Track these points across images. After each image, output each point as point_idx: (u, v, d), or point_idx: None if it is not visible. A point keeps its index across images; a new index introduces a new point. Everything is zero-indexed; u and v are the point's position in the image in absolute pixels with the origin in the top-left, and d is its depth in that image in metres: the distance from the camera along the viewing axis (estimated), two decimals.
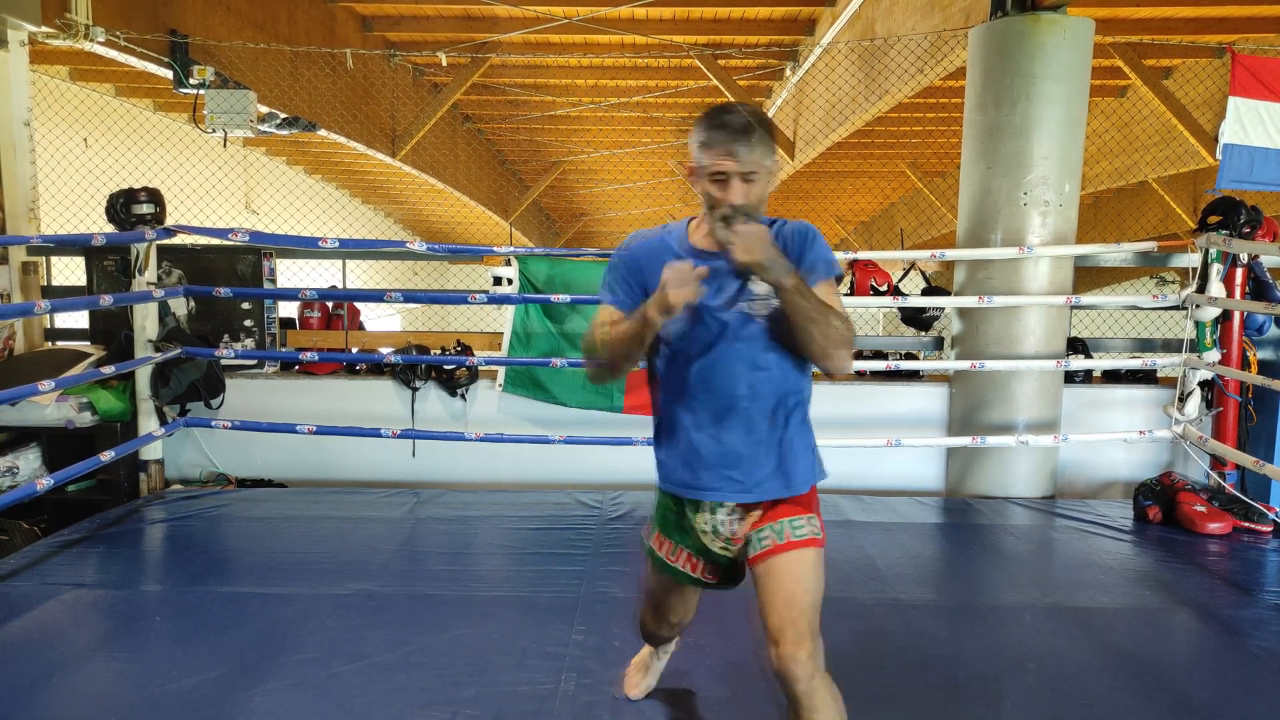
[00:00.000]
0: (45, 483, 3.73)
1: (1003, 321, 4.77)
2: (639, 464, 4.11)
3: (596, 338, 1.97)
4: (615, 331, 1.93)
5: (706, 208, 1.92)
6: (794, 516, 2.00)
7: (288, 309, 5.71)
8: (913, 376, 5.18)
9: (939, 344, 5.24)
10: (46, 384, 3.83)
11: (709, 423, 1.98)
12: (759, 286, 1.89)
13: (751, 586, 2.04)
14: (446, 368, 5.00)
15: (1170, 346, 5.19)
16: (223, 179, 10.53)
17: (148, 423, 4.70)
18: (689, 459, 2.01)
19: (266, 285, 5.12)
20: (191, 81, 6.02)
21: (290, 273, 7.55)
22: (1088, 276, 12.63)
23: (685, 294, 1.77)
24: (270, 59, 7.13)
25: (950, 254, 4.87)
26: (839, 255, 5.06)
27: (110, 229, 4.71)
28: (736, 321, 1.93)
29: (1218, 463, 4.69)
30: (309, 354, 4.83)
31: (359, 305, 5.85)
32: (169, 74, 6.10)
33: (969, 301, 4.80)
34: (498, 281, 4.97)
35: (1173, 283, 14.99)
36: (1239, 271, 4.63)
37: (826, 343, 1.85)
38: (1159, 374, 5.19)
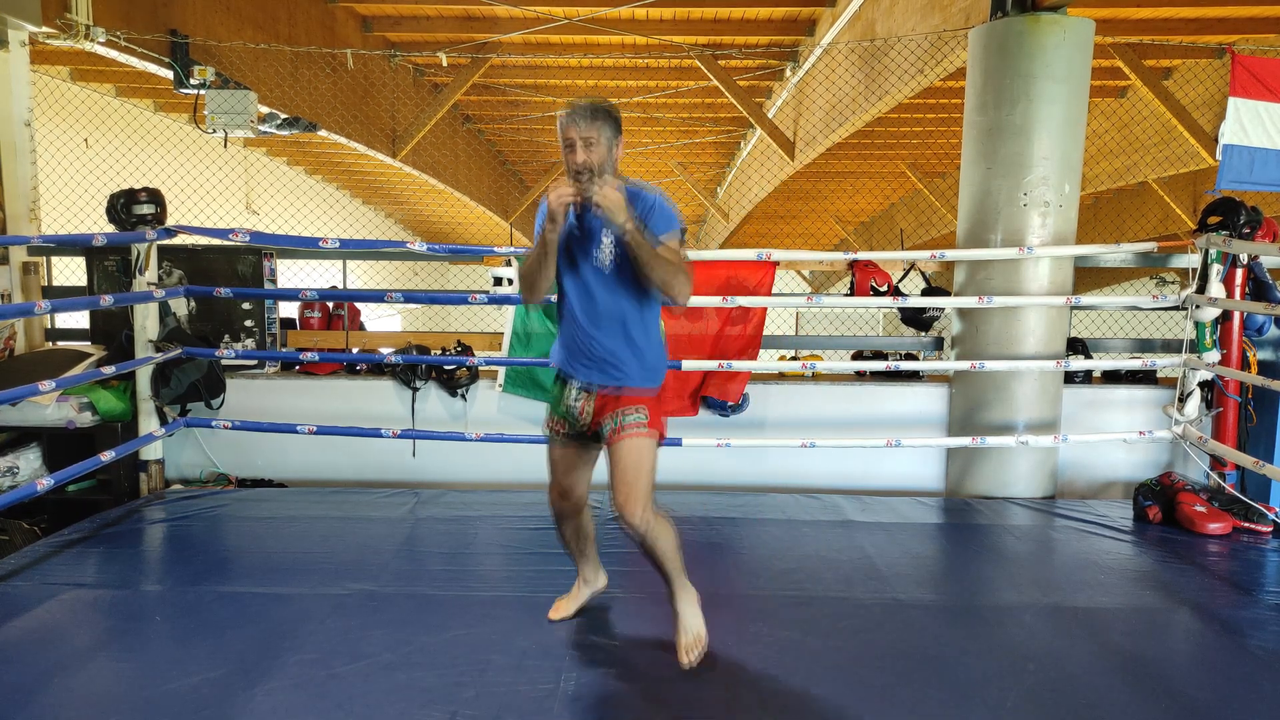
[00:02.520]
0: (45, 483, 3.73)
1: (1003, 322, 4.77)
2: None
3: (520, 268, 2.77)
4: (529, 254, 2.73)
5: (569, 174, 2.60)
6: (626, 409, 2.71)
7: (288, 309, 5.71)
8: (913, 377, 5.18)
9: (939, 344, 5.25)
10: (47, 384, 3.83)
11: (578, 330, 2.72)
12: (607, 238, 2.62)
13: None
14: (447, 368, 5.00)
15: (1170, 347, 5.20)
16: (223, 179, 10.54)
17: (148, 423, 4.70)
18: (566, 351, 2.80)
19: (267, 285, 5.13)
20: (192, 82, 6.03)
21: (291, 273, 7.56)
22: (1088, 277, 12.64)
23: (562, 198, 2.51)
24: (271, 59, 7.14)
25: (950, 254, 4.87)
26: (839, 255, 5.08)
27: (111, 229, 4.71)
28: (591, 265, 2.67)
29: (1218, 463, 4.69)
30: (309, 354, 4.83)
31: (359, 305, 5.86)
32: (169, 74, 6.11)
33: (969, 302, 4.80)
34: (498, 282, 4.97)
35: (1173, 283, 15.00)
36: (1239, 272, 4.63)
37: (667, 276, 2.56)
38: (1159, 374, 5.19)
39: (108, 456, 4.17)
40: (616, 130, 2.64)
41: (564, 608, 3.14)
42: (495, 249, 4.94)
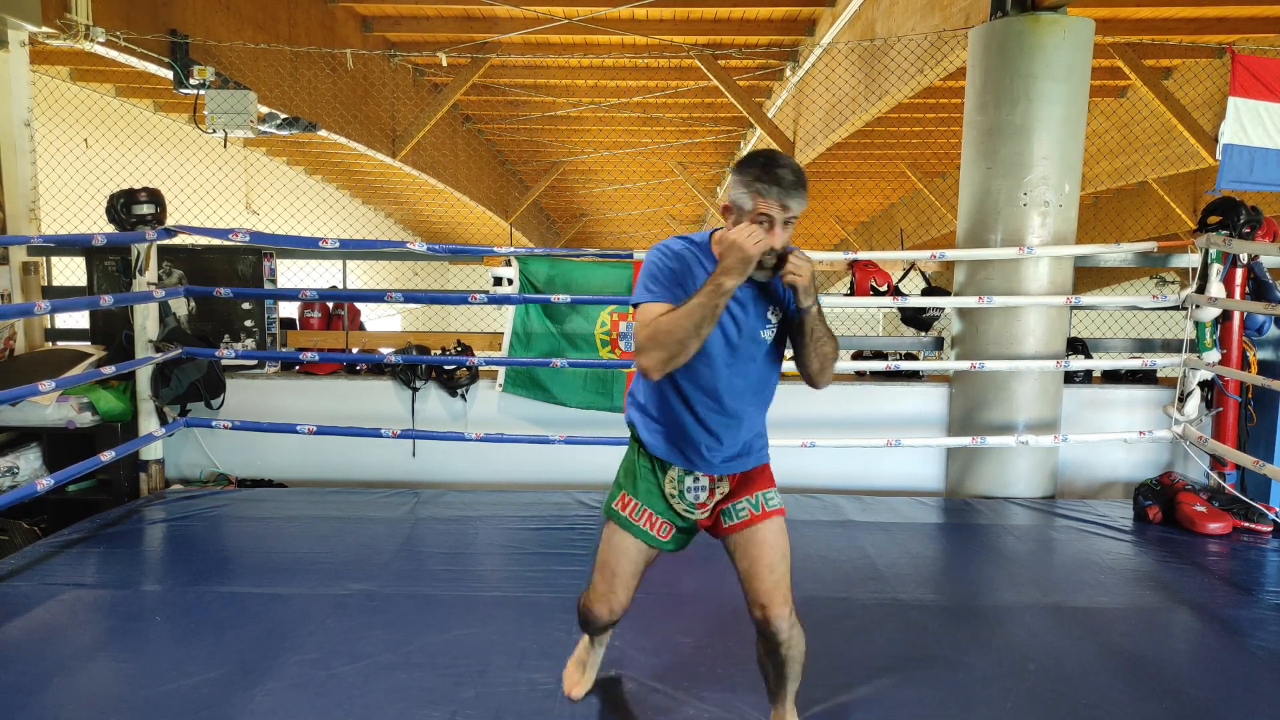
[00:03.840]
0: (45, 483, 3.73)
1: (1003, 322, 4.77)
2: None
3: (661, 325, 2.03)
4: (683, 310, 2.03)
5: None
6: (766, 489, 2.28)
7: (288, 309, 5.71)
8: (913, 377, 5.18)
9: (939, 344, 5.25)
10: (47, 384, 3.83)
11: (700, 414, 2.20)
12: (773, 314, 2.19)
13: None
14: (447, 368, 5.00)
15: (1170, 347, 5.20)
16: (223, 179, 10.54)
17: (148, 423, 4.70)
18: (676, 439, 2.25)
19: (267, 285, 5.12)
20: (192, 82, 6.02)
21: (290, 273, 7.55)
22: (1088, 276, 12.63)
23: (761, 243, 1.99)
24: (270, 59, 7.14)
25: (950, 254, 4.88)
26: (839, 255, 5.08)
27: (111, 229, 4.71)
28: (751, 340, 2.18)
29: (1218, 463, 4.69)
30: (309, 354, 4.83)
31: (359, 305, 5.86)
32: (169, 74, 6.10)
33: (969, 302, 4.80)
34: (498, 282, 4.97)
35: (1173, 283, 14.99)
36: (1239, 272, 4.63)
37: (825, 363, 2.22)
38: (1159, 374, 5.19)
39: (108, 456, 4.17)
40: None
41: (585, 682, 2.65)
42: (495, 249, 4.94)
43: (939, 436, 5.04)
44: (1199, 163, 8.72)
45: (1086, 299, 4.93)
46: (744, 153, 13.22)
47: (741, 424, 2.23)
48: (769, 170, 2.01)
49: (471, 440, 4.77)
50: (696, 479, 2.26)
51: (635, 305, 2.14)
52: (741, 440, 2.25)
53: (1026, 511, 4.57)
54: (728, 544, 2.29)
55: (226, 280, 4.97)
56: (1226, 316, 4.68)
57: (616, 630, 2.92)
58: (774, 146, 9.83)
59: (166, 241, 4.69)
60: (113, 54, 5.64)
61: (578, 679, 2.64)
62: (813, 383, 2.27)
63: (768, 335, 2.20)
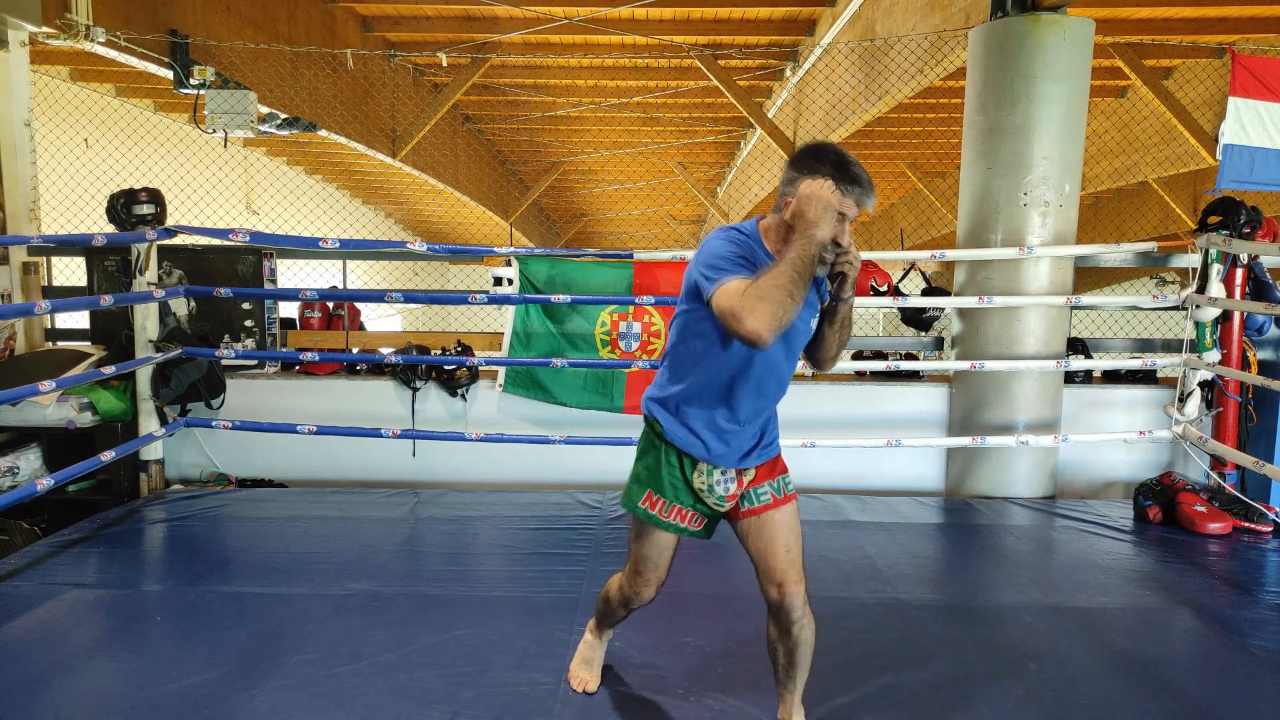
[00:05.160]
0: (45, 483, 3.73)
1: (1003, 322, 4.77)
2: None
3: (762, 284, 1.95)
4: (778, 268, 1.96)
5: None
6: (784, 474, 2.35)
7: (288, 309, 5.71)
8: (913, 377, 5.18)
9: (939, 344, 5.25)
10: (47, 384, 3.83)
11: (734, 404, 2.21)
12: (816, 301, 2.22)
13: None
14: (447, 368, 5.00)
15: (1170, 347, 5.20)
16: (223, 179, 10.54)
17: (148, 423, 4.70)
18: (707, 429, 2.24)
19: (267, 285, 5.13)
20: (192, 82, 6.03)
21: (291, 273, 7.55)
22: (1088, 276, 12.63)
23: (834, 192, 2.03)
24: (270, 59, 7.14)
25: (950, 254, 4.88)
26: None
27: (111, 229, 4.71)
28: (797, 336, 2.20)
29: (1218, 463, 4.69)
30: (309, 354, 4.83)
31: (359, 305, 5.86)
32: (169, 74, 6.11)
33: (969, 302, 4.80)
34: (498, 282, 4.97)
35: (1173, 283, 14.99)
36: (1239, 272, 4.63)
37: (841, 349, 2.26)
38: (1159, 374, 5.19)
39: (108, 456, 4.17)
40: None
41: (594, 679, 2.68)
42: (495, 249, 4.94)
43: (939, 436, 5.04)
44: (1199, 163, 8.72)
45: (1086, 299, 4.93)
46: (744, 153, 13.24)
47: (771, 412, 2.31)
48: (845, 169, 2.06)
49: (471, 440, 4.77)
50: (725, 472, 2.27)
51: (713, 283, 2.03)
52: (768, 429, 2.32)
53: (1026, 511, 4.57)
54: (741, 527, 2.33)
55: (226, 280, 4.97)
56: (1226, 316, 4.68)
57: (617, 630, 2.93)
58: (774, 146, 9.84)
59: (166, 241, 4.69)
60: (113, 54, 5.65)
61: (588, 676, 2.67)
62: (822, 366, 2.32)
63: (815, 324, 2.23)
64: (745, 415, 2.22)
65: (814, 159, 2.08)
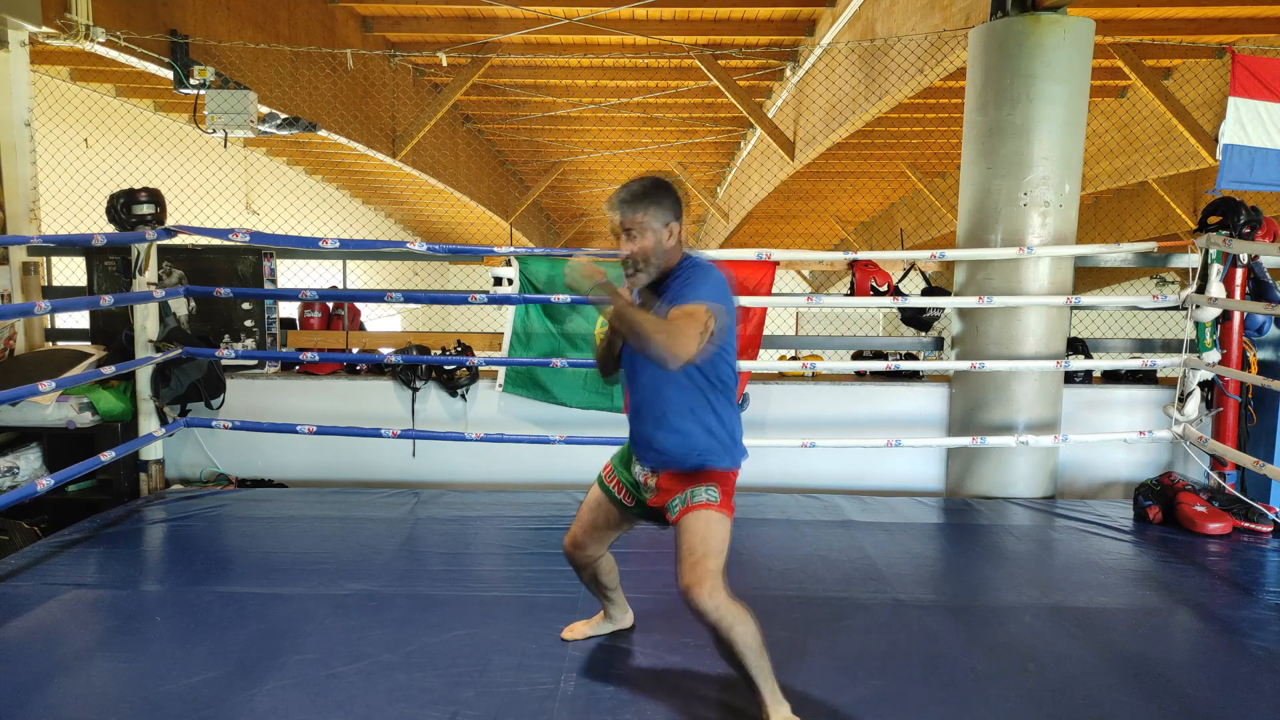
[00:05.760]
0: (45, 483, 3.73)
1: (1003, 322, 4.77)
2: None
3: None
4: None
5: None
6: (696, 487, 2.47)
7: (288, 309, 5.71)
8: (913, 377, 5.18)
9: (939, 344, 5.25)
10: (47, 384, 3.83)
11: (635, 413, 2.56)
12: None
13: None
14: (447, 368, 5.00)
15: (1170, 347, 5.20)
16: (223, 179, 10.54)
17: (148, 423, 4.70)
18: (631, 431, 2.62)
19: (267, 285, 5.13)
20: (192, 82, 6.03)
21: (291, 273, 7.56)
22: (1088, 277, 12.62)
23: (578, 280, 2.38)
24: (270, 59, 7.14)
25: (950, 254, 4.88)
26: (839, 255, 5.07)
27: (111, 229, 4.71)
28: (629, 358, 2.53)
29: (1218, 463, 4.69)
30: (309, 354, 4.83)
31: (359, 305, 5.86)
32: (169, 74, 6.11)
33: (969, 302, 4.80)
34: (498, 282, 4.97)
35: (1173, 283, 15.00)
36: (1239, 272, 4.63)
37: (658, 348, 2.24)
38: (1159, 374, 5.19)
39: (108, 456, 4.17)
40: (662, 210, 2.42)
41: (579, 629, 3.01)
42: (495, 249, 4.94)
43: (939, 436, 5.04)
44: (1199, 163, 8.71)
45: (1086, 299, 4.93)
46: (744, 153, 13.25)
47: (649, 434, 2.50)
48: (618, 191, 2.47)
49: (471, 440, 4.77)
50: (641, 471, 2.61)
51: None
52: (655, 450, 2.51)
53: (1026, 511, 4.57)
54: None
55: (226, 280, 4.97)
56: (1226, 316, 4.68)
57: (617, 635, 2.93)
58: (774, 146, 9.84)
59: (166, 241, 4.69)
60: (113, 54, 5.65)
61: (580, 629, 3.00)
62: (662, 364, 2.30)
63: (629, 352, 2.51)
64: (634, 426, 2.56)
65: None
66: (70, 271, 6.50)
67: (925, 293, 5.22)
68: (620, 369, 2.62)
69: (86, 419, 4.54)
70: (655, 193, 2.43)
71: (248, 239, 4.54)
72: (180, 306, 4.92)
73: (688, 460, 2.48)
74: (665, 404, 2.46)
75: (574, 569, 2.85)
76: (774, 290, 4.99)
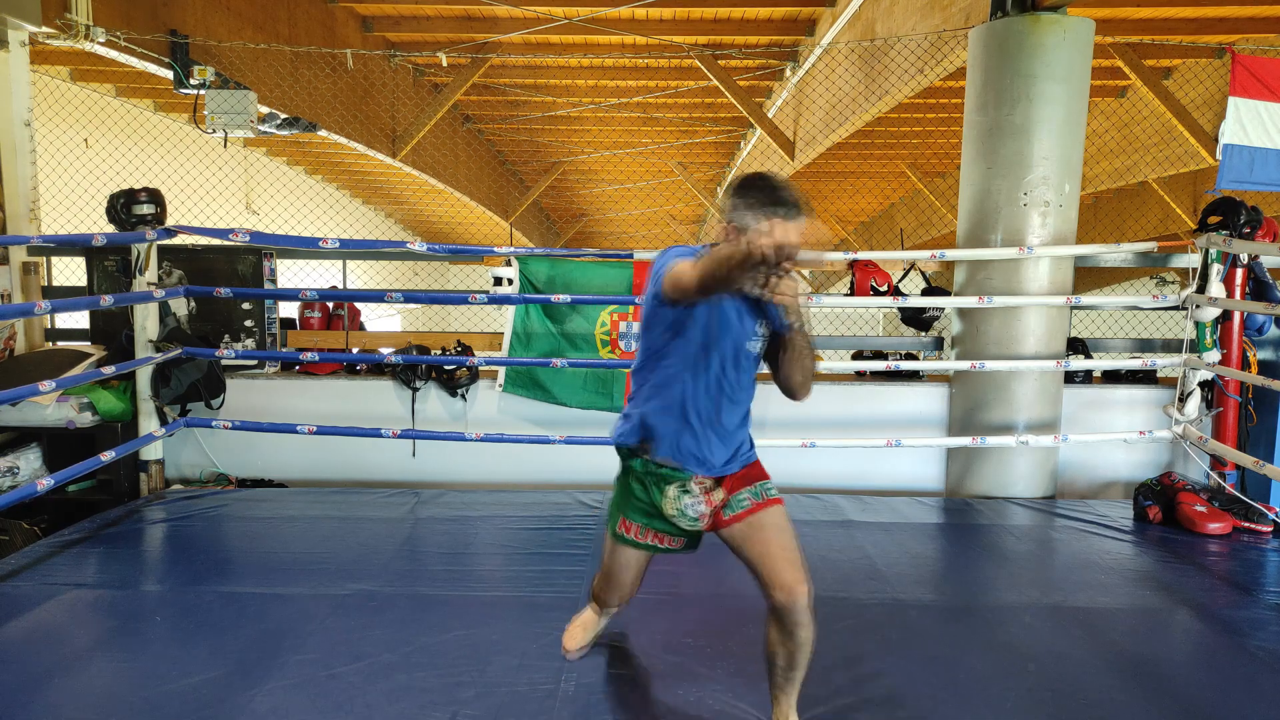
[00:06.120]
0: (45, 483, 3.73)
1: (1003, 322, 4.77)
2: None
3: (707, 260, 2.01)
4: (718, 255, 1.97)
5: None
6: (764, 480, 2.38)
7: (288, 309, 5.71)
8: (913, 377, 5.18)
9: (939, 344, 5.25)
10: (47, 384, 3.83)
11: (696, 423, 2.32)
12: (761, 327, 2.30)
13: None
14: (447, 368, 5.00)
15: (1170, 347, 5.20)
16: (223, 179, 10.54)
17: (148, 423, 4.70)
18: (676, 439, 2.33)
19: (267, 285, 5.13)
20: (192, 82, 6.03)
21: (291, 273, 7.55)
22: (1088, 276, 12.63)
23: (791, 243, 1.85)
24: (270, 59, 7.14)
25: (950, 254, 4.88)
26: (839, 255, 5.08)
27: (111, 229, 4.71)
28: (742, 349, 2.29)
29: (1218, 463, 4.69)
30: (309, 354, 4.83)
31: (359, 305, 5.86)
32: (169, 74, 6.11)
33: (969, 302, 4.80)
34: (498, 282, 4.97)
35: (1173, 283, 15.00)
36: (1239, 272, 4.63)
37: (807, 378, 2.28)
38: (1159, 374, 5.19)
39: (108, 456, 4.17)
40: None
41: (578, 637, 2.85)
42: (495, 249, 4.94)
43: (939, 436, 5.04)
44: (1199, 163, 8.71)
45: (1086, 299, 4.93)
46: (744, 153, 13.25)
47: (730, 429, 2.35)
48: (777, 194, 2.10)
49: (471, 440, 4.77)
50: (691, 492, 2.33)
51: (665, 270, 2.17)
52: (733, 445, 2.37)
53: (1026, 511, 4.57)
54: (732, 536, 2.35)
55: (226, 280, 4.97)
56: (1226, 316, 4.68)
57: (617, 635, 2.93)
58: (774, 146, 9.84)
59: (166, 241, 4.69)
60: (113, 54, 5.65)
61: (579, 638, 2.83)
62: (793, 395, 2.34)
63: (753, 348, 2.31)
64: (706, 429, 2.32)
65: (750, 187, 2.14)
66: (70, 271, 6.50)
67: (925, 293, 5.22)
68: (690, 347, 2.27)
69: (86, 419, 4.54)
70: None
71: (248, 239, 4.54)
72: (180, 306, 4.92)
73: (750, 456, 2.42)
74: (743, 407, 2.38)
75: (610, 607, 2.76)
76: None
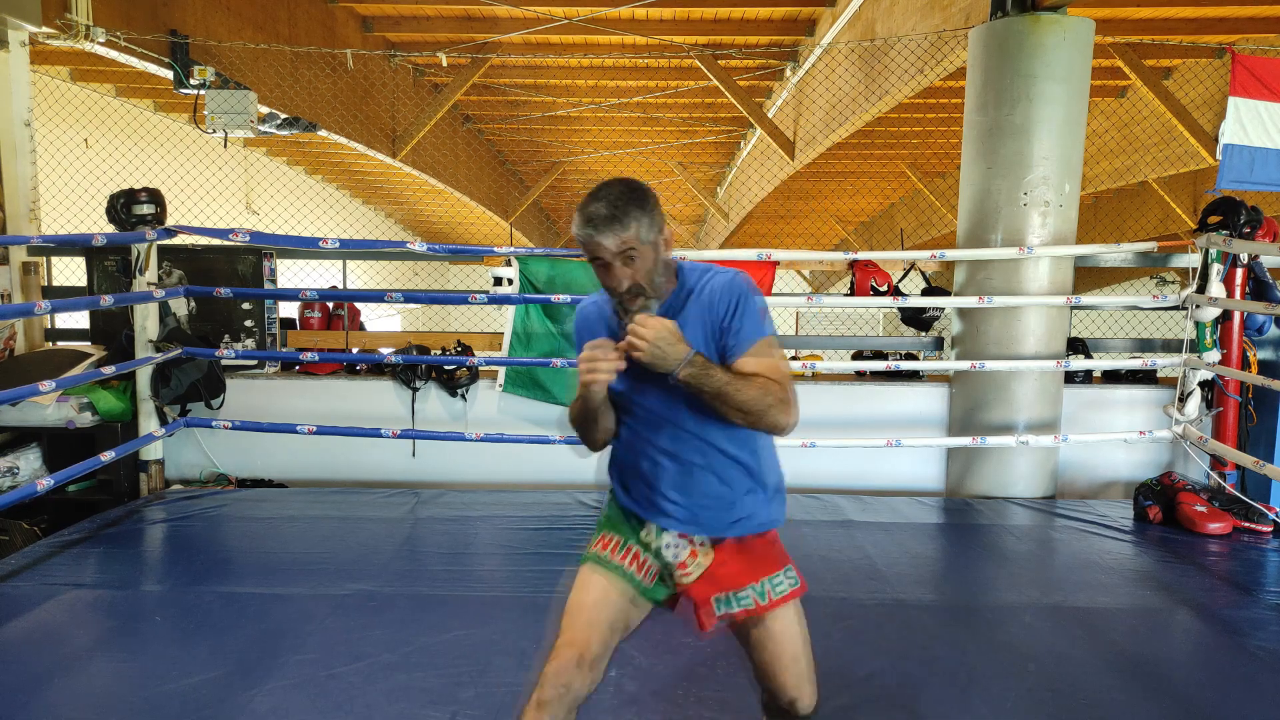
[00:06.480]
0: (45, 483, 3.73)
1: (1003, 322, 4.77)
2: None
3: (570, 411, 2.04)
4: (572, 405, 2.01)
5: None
6: (773, 574, 2.01)
7: (288, 309, 5.71)
8: (913, 377, 5.18)
9: (939, 344, 5.25)
10: (47, 384, 3.83)
11: (659, 479, 2.01)
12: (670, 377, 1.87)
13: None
14: (447, 368, 5.00)
15: (1170, 347, 5.19)
16: (223, 179, 10.54)
17: (148, 423, 4.70)
18: (637, 487, 2.08)
19: (267, 285, 5.13)
20: (192, 82, 6.03)
21: (291, 273, 7.55)
22: (1088, 276, 12.63)
23: (595, 377, 1.82)
24: (270, 59, 7.14)
25: (950, 254, 4.88)
26: (839, 255, 5.08)
27: (111, 229, 4.71)
28: (668, 391, 1.89)
29: (1218, 463, 4.69)
30: (309, 354, 4.83)
31: (359, 305, 5.86)
32: (169, 74, 6.11)
33: (969, 302, 4.80)
34: (498, 282, 4.97)
35: (1173, 283, 14.99)
36: (1239, 272, 4.63)
37: (747, 414, 1.84)
38: (1159, 374, 5.19)
39: (108, 456, 4.17)
40: (653, 219, 1.84)
41: None
42: (495, 249, 4.94)
43: (939, 436, 5.04)
44: (1199, 163, 8.71)
45: (1086, 299, 4.93)
46: (744, 153, 13.25)
47: (697, 474, 1.96)
48: (584, 210, 1.82)
49: (471, 440, 4.77)
50: (675, 539, 2.01)
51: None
52: (707, 496, 1.97)
53: (1026, 511, 4.57)
54: (736, 629, 2.06)
55: (226, 280, 4.97)
56: (1226, 316, 4.68)
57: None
58: (774, 146, 9.84)
59: (166, 241, 4.69)
60: (113, 54, 5.64)
61: None
62: (767, 432, 1.93)
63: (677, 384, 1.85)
64: (665, 473, 1.99)
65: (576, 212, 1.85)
66: (70, 271, 6.50)
67: (925, 293, 5.22)
68: (617, 412, 2.04)
69: (86, 419, 4.54)
70: (639, 198, 1.83)
71: (248, 239, 4.54)
72: (180, 306, 4.92)
73: (753, 524, 2.01)
74: (713, 446, 1.95)
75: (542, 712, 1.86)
76: (774, 290, 4.99)
